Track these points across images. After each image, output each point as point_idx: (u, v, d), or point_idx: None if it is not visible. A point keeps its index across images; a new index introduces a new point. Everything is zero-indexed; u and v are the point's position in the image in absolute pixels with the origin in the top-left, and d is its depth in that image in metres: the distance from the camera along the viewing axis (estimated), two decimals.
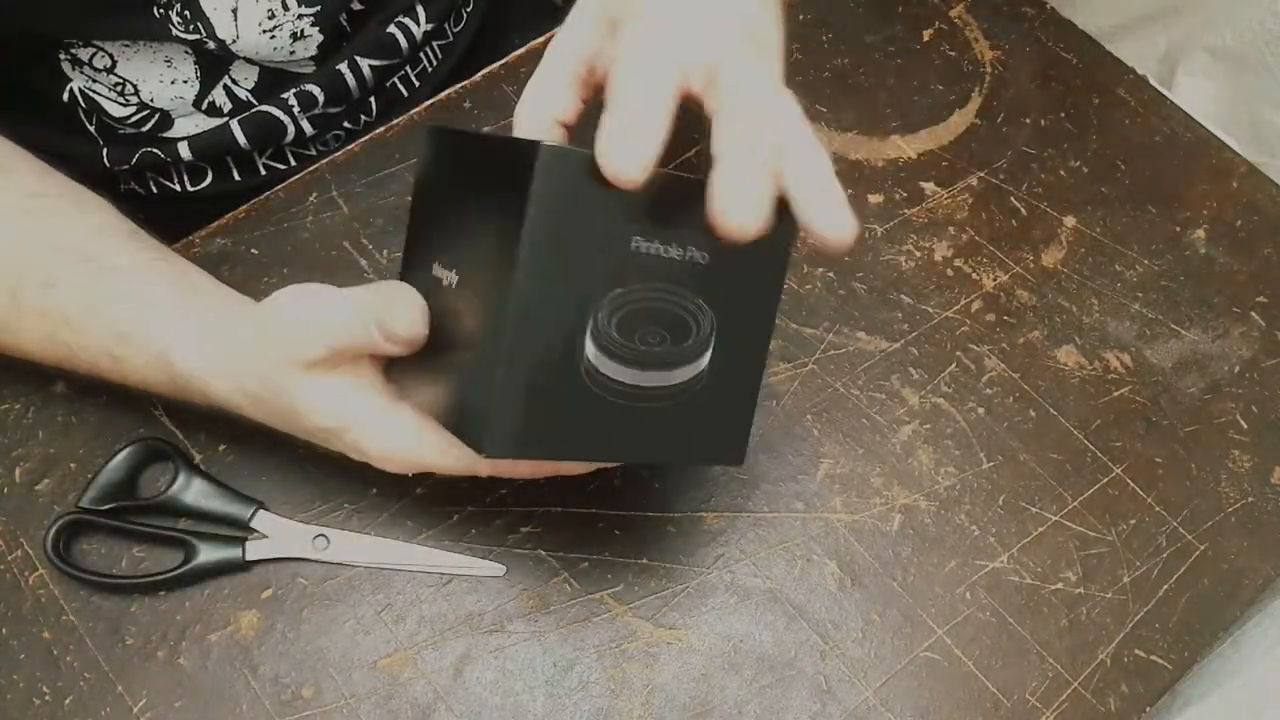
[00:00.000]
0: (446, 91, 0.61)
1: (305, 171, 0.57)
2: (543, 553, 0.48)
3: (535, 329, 0.33)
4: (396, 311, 0.37)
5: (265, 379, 0.40)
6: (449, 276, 0.36)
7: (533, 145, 0.32)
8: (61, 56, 0.54)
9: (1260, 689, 0.47)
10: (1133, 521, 0.51)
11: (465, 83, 0.61)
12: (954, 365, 0.54)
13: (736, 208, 0.32)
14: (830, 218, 0.34)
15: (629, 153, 0.32)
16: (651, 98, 0.33)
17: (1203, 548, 0.50)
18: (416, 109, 0.60)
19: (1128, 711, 0.46)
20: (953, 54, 0.65)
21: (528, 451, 0.35)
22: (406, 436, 0.39)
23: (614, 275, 0.34)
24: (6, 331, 0.45)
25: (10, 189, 0.45)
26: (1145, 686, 0.47)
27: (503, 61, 0.61)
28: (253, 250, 0.54)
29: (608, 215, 0.33)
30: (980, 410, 0.53)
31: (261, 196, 0.56)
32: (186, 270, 0.45)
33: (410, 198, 0.41)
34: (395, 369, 0.41)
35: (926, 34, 0.65)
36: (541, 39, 0.62)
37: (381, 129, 0.59)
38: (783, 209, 0.34)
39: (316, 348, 0.38)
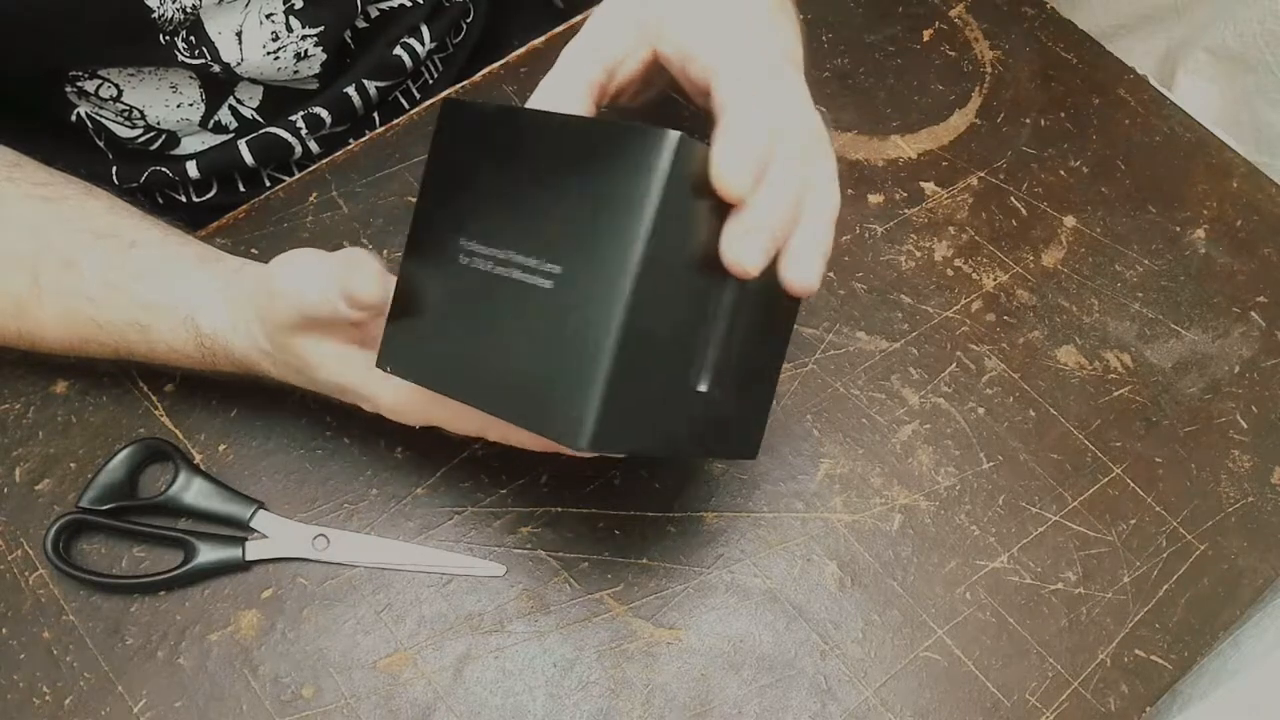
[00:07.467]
0: (446, 91, 0.61)
1: (305, 172, 0.57)
2: (543, 553, 0.48)
3: (642, 325, 0.32)
4: (357, 280, 0.37)
5: (272, 338, 0.41)
6: (494, 254, 0.35)
7: (659, 133, 0.32)
8: (67, 89, 0.55)
9: (1260, 689, 0.47)
10: (1133, 521, 0.51)
11: (465, 82, 0.61)
12: (954, 365, 0.54)
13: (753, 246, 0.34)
14: (799, 263, 0.35)
15: (745, 173, 0.33)
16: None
17: (1203, 548, 0.50)
18: (416, 108, 0.60)
19: (1128, 711, 0.46)
20: (953, 54, 0.64)
21: (614, 446, 0.34)
22: (415, 391, 0.40)
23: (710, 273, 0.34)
24: (27, 316, 0.45)
25: (22, 180, 0.46)
26: (1145, 686, 0.47)
27: (503, 61, 0.61)
28: (253, 250, 0.54)
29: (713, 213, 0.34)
30: (980, 410, 0.53)
31: (261, 196, 0.56)
32: (198, 242, 0.46)
33: (426, 178, 0.38)
34: (401, 345, 0.39)
35: (926, 34, 0.65)
36: (542, 39, 0.62)
37: (382, 128, 0.59)
38: None
39: (294, 316, 0.39)
